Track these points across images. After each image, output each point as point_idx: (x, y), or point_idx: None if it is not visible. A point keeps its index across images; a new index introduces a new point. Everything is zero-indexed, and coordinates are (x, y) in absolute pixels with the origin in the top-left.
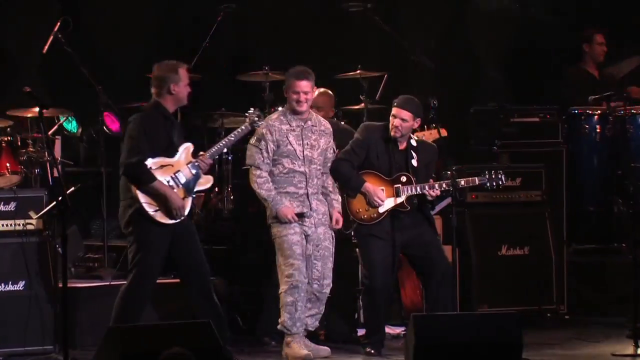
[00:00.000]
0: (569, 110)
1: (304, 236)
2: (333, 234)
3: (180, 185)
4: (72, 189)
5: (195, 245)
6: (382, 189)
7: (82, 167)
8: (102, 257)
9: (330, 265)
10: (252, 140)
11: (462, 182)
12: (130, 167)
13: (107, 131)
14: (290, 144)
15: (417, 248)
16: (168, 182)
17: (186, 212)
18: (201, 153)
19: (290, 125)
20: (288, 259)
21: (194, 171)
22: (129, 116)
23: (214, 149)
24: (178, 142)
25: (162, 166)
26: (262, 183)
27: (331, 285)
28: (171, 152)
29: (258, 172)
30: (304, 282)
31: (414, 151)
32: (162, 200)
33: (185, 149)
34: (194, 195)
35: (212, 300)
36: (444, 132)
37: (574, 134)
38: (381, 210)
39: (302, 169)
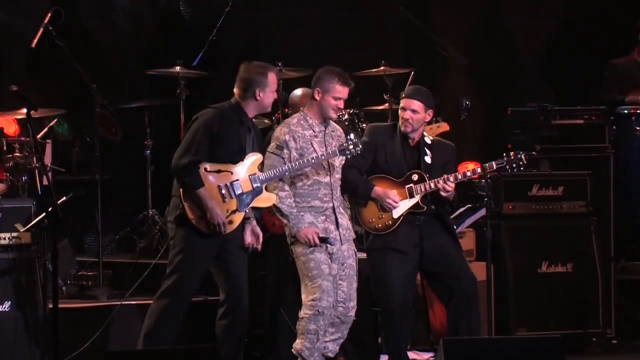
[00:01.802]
0: (617, 110)
1: (329, 254)
2: (355, 250)
3: (234, 196)
4: (64, 198)
5: (241, 266)
6: (394, 192)
7: (74, 175)
8: (96, 274)
9: (355, 285)
10: (272, 148)
11: (478, 170)
12: (179, 167)
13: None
14: (315, 151)
15: (437, 261)
16: (221, 189)
17: (231, 229)
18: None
19: (313, 131)
20: (316, 280)
21: (255, 185)
22: (126, 117)
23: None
24: (250, 151)
25: (219, 171)
26: (284, 197)
27: (356, 307)
28: (239, 158)
29: (280, 184)
30: (330, 307)
31: (427, 148)
32: (205, 212)
33: (253, 160)
34: (247, 210)
35: (238, 332)
36: (445, 127)
37: (623, 138)
38: (395, 215)
39: (326, 179)
